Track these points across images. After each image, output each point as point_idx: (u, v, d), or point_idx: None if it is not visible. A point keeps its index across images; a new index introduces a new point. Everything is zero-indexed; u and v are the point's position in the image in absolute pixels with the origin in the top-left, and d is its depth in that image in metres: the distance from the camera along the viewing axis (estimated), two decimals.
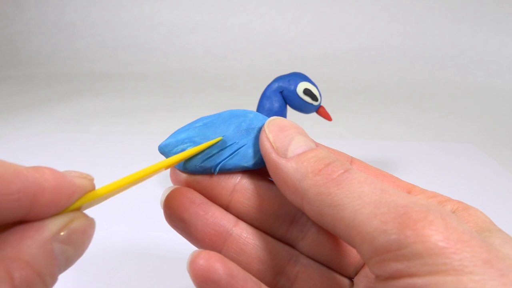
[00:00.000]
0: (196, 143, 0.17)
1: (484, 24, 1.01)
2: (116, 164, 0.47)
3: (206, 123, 0.18)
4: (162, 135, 0.59)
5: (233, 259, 0.17)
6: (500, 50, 0.97)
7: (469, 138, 0.60)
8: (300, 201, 0.14)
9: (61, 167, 0.12)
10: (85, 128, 0.62)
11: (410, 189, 0.17)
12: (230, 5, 1.11)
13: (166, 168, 0.16)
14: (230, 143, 0.17)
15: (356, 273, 0.18)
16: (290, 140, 0.15)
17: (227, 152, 0.17)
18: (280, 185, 0.15)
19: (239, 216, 0.18)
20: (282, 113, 0.35)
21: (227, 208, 0.18)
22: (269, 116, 0.36)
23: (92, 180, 0.13)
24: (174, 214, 0.17)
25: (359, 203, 0.12)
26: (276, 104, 0.34)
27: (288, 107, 0.35)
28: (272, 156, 0.15)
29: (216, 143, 0.17)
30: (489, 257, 0.11)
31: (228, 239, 0.17)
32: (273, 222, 0.18)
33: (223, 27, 1.08)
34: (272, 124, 0.16)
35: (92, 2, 1.14)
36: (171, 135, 0.17)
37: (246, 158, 0.17)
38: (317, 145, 0.16)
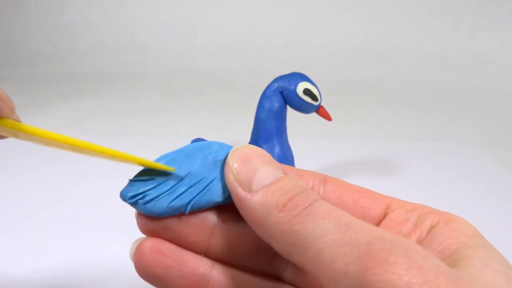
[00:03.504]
0: (160, 183, 0.16)
1: (484, 24, 1.01)
2: (116, 164, 0.47)
3: (169, 161, 0.16)
4: (162, 135, 0.59)
5: None
6: (500, 50, 0.97)
7: (469, 138, 0.60)
8: (267, 238, 0.14)
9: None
10: (85, 128, 0.62)
11: (389, 203, 0.16)
12: (230, 5, 1.11)
13: (117, 158, 0.15)
14: (199, 179, 0.16)
15: None
16: (255, 171, 0.14)
17: (197, 189, 0.16)
18: (247, 220, 0.14)
19: (218, 259, 0.17)
20: (282, 113, 0.35)
21: (206, 252, 0.17)
22: (269, 116, 0.36)
23: (11, 109, 0.13)
24: (146, 269, 0.16)
25: (323, 241, 0.12)
26: (276, 104, 0.34)
27: (288, 107, 0.35)
28: (236, 191, 0.14)
29: (183, 178, 0.16)
30: None
31: (206, 286, 0.16)
32: (254, 258, 0.17)
33: (223, 27, 1.08)
34: (235, 155, 0.15)
35: (92, 2, 1.14)
36: (132, 179, 0.16)
37: (218, 193, 0.16)
38: (286, 172, 0.15)
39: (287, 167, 0.17)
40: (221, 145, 0.17)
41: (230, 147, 0.17)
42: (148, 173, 0.16)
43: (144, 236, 0.17)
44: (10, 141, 0.61)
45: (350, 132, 0.62)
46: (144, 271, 0.16)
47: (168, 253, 0.16)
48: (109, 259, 0.32)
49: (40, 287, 0.29)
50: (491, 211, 0.39)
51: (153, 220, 0.16)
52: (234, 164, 0.15)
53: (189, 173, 0.16)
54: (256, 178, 0.14)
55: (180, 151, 0.17)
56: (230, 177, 0.15)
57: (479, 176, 0.47)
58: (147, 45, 1.07)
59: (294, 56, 1.01)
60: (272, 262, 0.17)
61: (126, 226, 0.36)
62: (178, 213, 0.16)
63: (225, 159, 0.16)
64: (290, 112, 0.36)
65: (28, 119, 0.70)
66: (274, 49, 1.03)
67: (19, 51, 1.09)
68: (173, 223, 0.16)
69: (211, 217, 0.16)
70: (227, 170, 0.15)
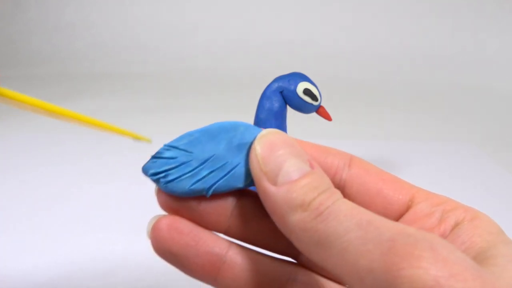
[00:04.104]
0: (182, 163, 0.16)
1: (484, 24, 1.01)
2: (116, 164, 0.47)
3: (192, 141, 0.16)
4: (162, 135, 0.59)
5: (229, 286, 0.16)
6: (500, 50, 0.97)
7: (469, 138, 0.60)
8: (288, 235, 0.14)
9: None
10: (85, 128, 0.62)
11: (413, 195, 0.16)
12: (230, 5, 1.11)
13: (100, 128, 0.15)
14: (222, 163, 0.16)
15: None
16: (281, 163, 0.14)
17: (220, 174, 0.16)
18: (269, 213, 0.14)
19: (238, 238, 0.17)
20: (282, 113, 0.35)
21: (225, 232, 0.17)
22: (269, 116, 0.36)
23: None
24: (163, 247, 0.16)
25: (345, 240, 0.12)
26: (276, 104, 0.34)
27: (288, 107, 0.35)
28: (261, 182, 0.14)
29: (207, 160, 0.16)
30: None
31: (222, 267, 0.16)
32: (273, 240, 0.17)
33: (223, 27, 1.08)
34: (263, 142, 0.15)
35: (92, 2, 1.14)
36: (154, 155, 0.16)
37: (241, 179, 0.16)
38: (312, 166, 0.15)
39: (312, 146, 0.16)
40: (247, 126, 0.16)
41: (256, 130, 0.16)
42: (171, 151, 0.16)
43: (159, 214, 0.16)
44: (10, 141, 0.61)
45: (350, 132, 0.62)
46: (161, 248, 0.16)
47: (186, 231, 0.16)
48: (110, 259, 0.32)
49: (40, 287, 0.29)
50: (491, 211, 0.39)
51: (174, 199, 0.16)
52: (260, 152, 0.15)
53: (212, 155, 0.16)
54: (283, 171, 0.14)
55: (205, 131, 0.16)
56: (256, 166, 0.15)
57: (479, 176, 0.47)
58: (147, 45, 1.07)
59: (294, 56, 1.01)
60: (290, 244, 0.17)
61: (126, 226, 0.36)
62: (199, 195, 0.16)
63: (251, 143, 0.16)
64: (290, 112, 0.36)
65: (28, 119, 0.69)
66: (274, 49, 1.03)
67: (19, 51, 1.09)
68: (194, 203, 0.16)
69: (232, 199, 0.16)
70: (252, 157, 0.15)
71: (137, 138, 0.16)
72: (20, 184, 0.43)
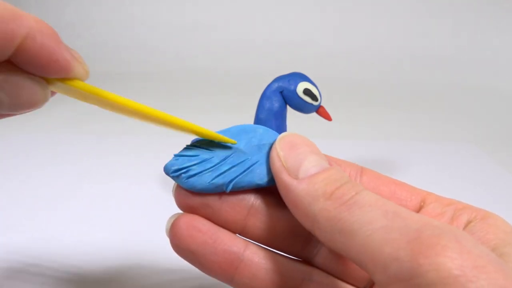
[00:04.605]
0: (204, 160, 0.16)
1: (484, 24, 1.01)
2: (116, 164, 0.47)
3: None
4: (162, 135, 0.59)
5: (246, 285, 0.16)
6: (500, 50, 0.97)
7: (469, 138, 0.60)
8: (310, 226, 0.14)
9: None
10: (85, 128, 0.62)
11: (424, 197, 0.16)
12: (230, 5, 1.11)
13: (179, 128, 0.15)
14: (243, 159, 0.16)
15: (372, 285, 0.17)
16: (302, 159, 0.15)
17: (240, 169, 0.16)
18: (291, 207, 0.15)
19: (254, 239, 0.17)
20: (282, 113, 0.35)
21: (241, 232, 0.17)
22: (269, 116, 0.36)
23: (86, 71, 0.14)
24: (181, 244, 0.16)
25: (370, 228, 0.12)
26: (276, 104, 0.34)
27: (288, 107, 0.35)
28: (282, 176, 0.15)
29: (227, 154, 0.16)
30: (506, 283, 0.10)
31: (239, 266, 0.16)
32: (289, 241, 0.17)
33: (223, 27, 1.08)
34: (284, 142, 0.16)
35: (92, 2, 1.14)
36: (177, 154, 0.17)
37: (260, 176, 0.16)
38: (331, 163, 0.15)
39: (328, 157, 0.17)
40: (266, 129, 0.17)
41: (274, 133, 0.17)
42: (193, 150, 0.17)
43: (178, 213, 0.17)
44: (10, 141, 0.61)
45: (350, 132, 0.62)
46: (179, 245, 0.16)
47: (204, 230, 0.16)
48: (109, 258, 0.32)
49: (40, 286, 0.29)
50: (491, 211, 0.39)
51: (193, 196, 0.16)
52: (281, 150, 0.15)
53: (233, 152, 0.17)
54: (304, 166, 0.14)
55: (226, 131, 0.17)
56: (277, 163, 0.15)
57: (479, 176, 0.47)
58: (148, 44, 1.07)
59: (294, 56, 1.01)
60: (305, 247, 0.17)
61: (126, 226, 0.36)
62: (219, 191, 0.16)
63: (271, 144, 0.17)
64: (290, 112, 0.36)
65: (28, 119, 0.69)
66: (274, 49, 1.03)
67: None
68: (212, 200, 0.16)
69: (249, 198, 0.17)
70: (273, 155, 0.15)
71: (223, 141, 0.16)
72: (20, 184, 0.43)
